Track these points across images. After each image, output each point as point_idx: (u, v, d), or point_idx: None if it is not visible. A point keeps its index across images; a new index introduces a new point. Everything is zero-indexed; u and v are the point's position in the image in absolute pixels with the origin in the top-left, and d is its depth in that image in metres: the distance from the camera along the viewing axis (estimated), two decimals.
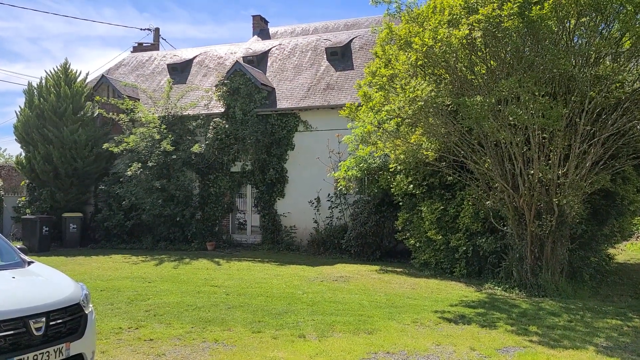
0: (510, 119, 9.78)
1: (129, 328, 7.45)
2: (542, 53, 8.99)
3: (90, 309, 5.04)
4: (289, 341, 6.80)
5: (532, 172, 10.31)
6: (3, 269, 5.00)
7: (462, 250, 11.94)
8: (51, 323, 4.46)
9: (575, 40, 9.91)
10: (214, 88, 18.55)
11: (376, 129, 10.74)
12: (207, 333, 7.19)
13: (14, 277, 4.79)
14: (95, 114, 19.16)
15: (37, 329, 4.33)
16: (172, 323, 7.74)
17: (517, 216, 10.83)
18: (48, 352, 4.35)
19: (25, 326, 4.27)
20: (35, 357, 4.26)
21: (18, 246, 5.66)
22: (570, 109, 9.82)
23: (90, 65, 69.62)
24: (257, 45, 22.23)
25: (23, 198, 19.41)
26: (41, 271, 5.20)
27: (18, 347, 4.20)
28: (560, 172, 10.37)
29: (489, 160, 10.73)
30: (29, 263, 5.33)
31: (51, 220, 17.72)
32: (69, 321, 4.64)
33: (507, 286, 10.68)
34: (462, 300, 9.56)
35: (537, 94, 9.21)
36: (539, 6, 8.49)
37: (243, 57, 20.22)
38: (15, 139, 19.00)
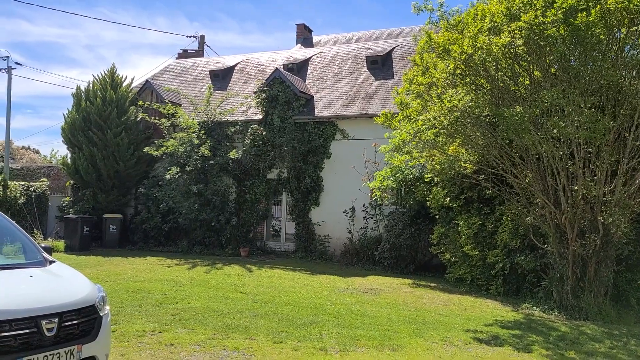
0: (554, 132, 9.34)
1: (152, 331, 7.42)
2: (588, 62, 8.53)
3: (106, 311, 4.99)
4: (309, 354, 6.60)
5: (575, 188, 9.80)
6: (23, 267, 5.01)
7: (500, 267, 11.47)
8: (64, 324, 4.41)
9: (627, 51, 9.39)
10: (253, 95, 18.65)
11: (412, 137, 10.46)
12: (228, 341, 7.08)
13: (31, 276, 4.78)
14: (139, 118, 19.56)
15: (49, 330, 4.28)
16: (196, 328, 7.66)
17: (558, 234, 10.32)
18: (59, 353, 4.30)
19: (37, 326, 4.22)
20: (45, 358, 4.21)
21: (42, 245, 5.69)
22: (619, 123, 9.30)
23: (140, 72, 71.84)
24: (298, 53, 22.27)
25: (67, 198, 19.97)
26: (60, 271, 5.19)
27: (29, 347, 4.15)
28: (606, 189, 9.82)
29: (530, 174, 10.28)
30: (51, 262, 5.33)
31: (92, 220, 18.13)
32: (82, 323, 4.58)
33: (546, 307, 10.16)
34: (496, 319, 9.13)
35: (582, 105, 8.75)
36: (585, 13, 8.07)
37: (283, 65, 20.27)
38: (62, 141, 19.58)
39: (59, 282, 4.89)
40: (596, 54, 8.47)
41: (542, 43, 8.42)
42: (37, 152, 53.97)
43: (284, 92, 17.59)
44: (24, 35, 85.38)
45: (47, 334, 4.26)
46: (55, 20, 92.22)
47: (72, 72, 75.87)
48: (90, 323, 4.67)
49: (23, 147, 52.98)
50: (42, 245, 5.68)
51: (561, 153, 9.55)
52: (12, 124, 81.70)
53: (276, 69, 18.49)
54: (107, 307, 5.09)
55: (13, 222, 5.77)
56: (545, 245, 10.72)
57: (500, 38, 8.58)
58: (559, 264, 10.32)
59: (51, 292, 4.59)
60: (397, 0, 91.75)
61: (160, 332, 7.38)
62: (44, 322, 4.26)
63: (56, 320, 4.34)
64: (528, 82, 9.64)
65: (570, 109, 8.65)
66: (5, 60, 21.91)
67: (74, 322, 4.51)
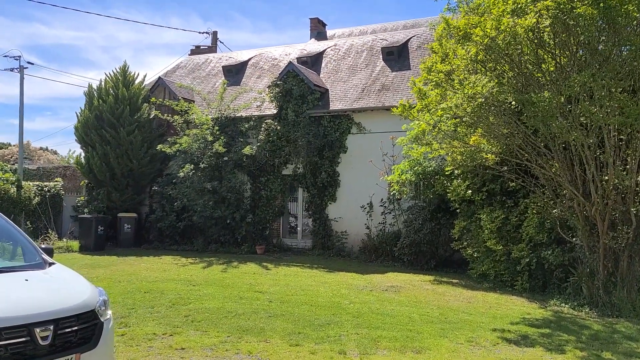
0: (582, 119, 8.82)
1: (163, 334, 7.10)
2: (620, 43, 7.99)
3: (108, 317, 4.65)
4: (328, 357, 6.22)
5: (606, 177, 9.28)
6: (20, 270, 4.69)
7: (525, 262, 10.96)
8: (60, 332, 4.06)
9: None
10: (266, 89, 18.28)
11: (431, 128, 9.99)
12: (242, 343, 6.73)
13: (26, 280, 4.45)
14: (152, 116, 19.34)
15: (44, 338, 3.94)
16: (209, 331, 7.34)
17: (588, 226, 9.80)
18: None
19: (30, 334, 3.87)
20: None
21: (43, 246, 5.38)
22: None
23: (156, 71, 72.11)
24: (312, 46, 21.85)
25: (82, 198, 19.85)
26: (59, 274, 4.85)
27: (21, 357, 3.81)
28: (639, 179, 9.28)
29: (556, 164, 9.77)
30: (50, 264, 5.00)
31: (107, 219, 17.96)
32: (81, 330, 4.24)
33: (576, 304, 9.66)
34: (524, 317, 8.67)
35: (613, 89, 8.21)
36: None
37: (297, 58, 19.87)
38: (75, 140, 19.42)
39: (56, 286, 4.54)
40: (629, 33, 7.92)
41: (571, 23, 7.89)
42: (55, 152, 54.37)
43: (298, 86, 17.20)
44: (41, 38, 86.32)
45: (41, 342, 3.91)
46: (71, 23, 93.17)
47: (90, 74, 76.76)
48: (90, 329, 4.32)
49: (41, 148, 53.37)
50: (43, 246, 5.37)
51: (590, 141, 9.03)
52: (32, 126, 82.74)
53: (290, 62, 18.11)
54: (109, 312, 4.74)
55: (12, 222, 5.46)
56: (574, 239, 10.22)
57: (526, 20, 8.07)
58: (588, 258, 9.82)
59: (47, 297, 4.24)
60: None
61: (172, 335, 7.06)
62: (37, 330, 3.91)
63: (52, 327, 3.99)
64: (553, 68, 9.11)
65: (601, 93, 8.12)
66: (17, 59, 21.81)
67: (72, 329, 4.17)
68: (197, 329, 7.42)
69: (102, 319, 4.51)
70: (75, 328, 4.20)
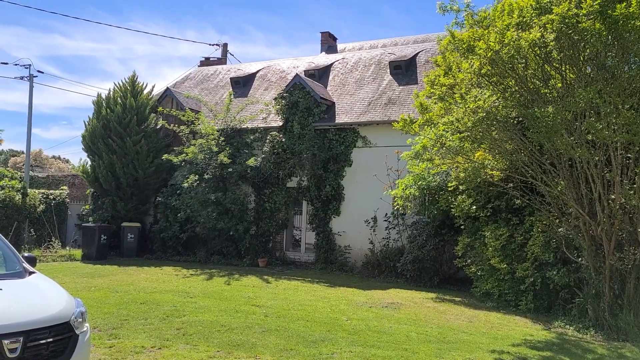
0: (589, 136, 8.60)
1: (151, 348, 6.95)
2: (629, 60, 7.79)
3: (84, 329, 4.51)
4: None
5: (613, 197, 9.03)
6: None
7: (530, 281, 10.69)
8: (30, 344, 3.93)
9: None
10: (273, 101, 18.23)
11: (433, 143, 9.80)
12: (230, 359, 6.55)
13: (0, 289, 4.33)
14: (159, 126, 19.35)
15: (12, 350, 3.80)
16: (199, 345, 7.17)
17: (594, 247, 9.53)
18: None
19: None
20: None
21: (26, 254, 5.27)
22: None
23: (168, 83, 73.00)
24: (320, 59, 21.82)
25: (87, 206, 19.84)
26: (37, 284, 4.73)
27: None
28: None
29: (562, 182, 9.53)
30: (30, 273, 4.89)
31: (110, 229, 17.90)
32: (54, 342, 4.10)
33: (581, 326, 9.36)
34: (525, 339, 8.40)
35: (620, 106, 8.00)
36: (624, 3, 7.35)
37: (305, 71, 19.84)
38: (82, 148, 19.47)
39: (30, 296, 4.42)
40: (636, 49, 7.72)
41: (576, 37, 7.72)
42: (67, 161, 54.87)
43: (304, 99, 17.13)
44: (60, 49, 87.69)
45: (9, 355, 3.78)
46: (89, 35, 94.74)
47: (106, 85, 78.24)
48: (63, 342, 4.19)
49: (53, 157, 53.92)
50: (26, 254, 5.26)
51: (596, 159, 8.81)
52: (48, 135, 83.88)
53: (296, 74, 18.05)
54: (87, 325, 4.60)
55: None
56: (580, 259, 9.94)
57: (530, 33, 7.91)
58: (594, 279, 9.53)
59: (19, 307, 4.11)
60: (423, 9, 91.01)
61: (160, 349, 6.91)
62: (6, 342, 3.78)
63: (21, 339, 3.86)
64: (560, 84, 8.92)
65: (608, 110, 7.91)
66: (27, 68, 22.00)
67: (44, 341, 4.03)
68: (188, 343, 7.26)
69: (77, 332, 4.37)
70: (48, 340, 4.06)
